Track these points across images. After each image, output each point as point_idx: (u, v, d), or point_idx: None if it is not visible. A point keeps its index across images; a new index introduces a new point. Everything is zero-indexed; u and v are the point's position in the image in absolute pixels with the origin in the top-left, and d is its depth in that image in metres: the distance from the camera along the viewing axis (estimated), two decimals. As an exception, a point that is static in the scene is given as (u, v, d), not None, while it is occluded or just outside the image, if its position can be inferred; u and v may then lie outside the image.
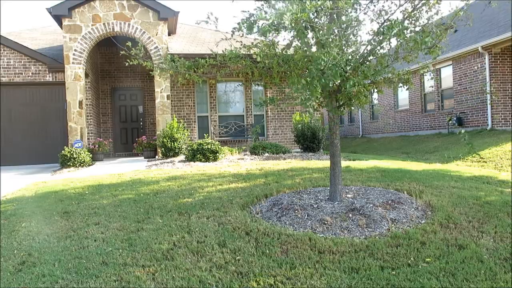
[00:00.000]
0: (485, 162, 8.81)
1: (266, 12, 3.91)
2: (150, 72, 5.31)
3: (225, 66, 4.60)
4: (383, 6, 4.26)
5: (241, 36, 4.24)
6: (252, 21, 3.77)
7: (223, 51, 4.55)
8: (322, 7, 3.69)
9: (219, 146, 9.32)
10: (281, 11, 3.39)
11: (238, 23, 3.85)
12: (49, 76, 11.32)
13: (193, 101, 12.60)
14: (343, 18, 3.96)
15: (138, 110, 13.62)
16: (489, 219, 3.93)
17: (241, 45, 4.47)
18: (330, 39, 3.66)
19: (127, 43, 4.80)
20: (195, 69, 4.62)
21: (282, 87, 4.95)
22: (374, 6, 4.30)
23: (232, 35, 4.11)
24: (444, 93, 14.68)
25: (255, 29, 3.86)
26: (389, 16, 4.18)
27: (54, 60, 11.31)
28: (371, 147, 15.98)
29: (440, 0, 4.15)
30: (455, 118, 13.61)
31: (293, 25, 3.38)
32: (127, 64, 4.83)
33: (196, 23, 4.24)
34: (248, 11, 3.87)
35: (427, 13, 4.21)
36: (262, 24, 3.72)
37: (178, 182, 6.07)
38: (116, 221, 4.23)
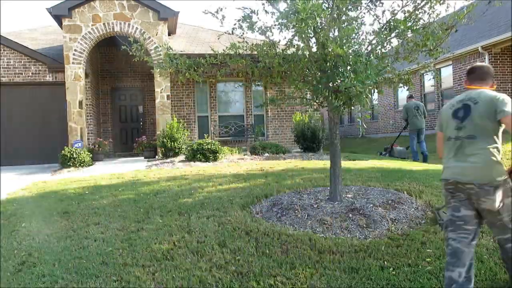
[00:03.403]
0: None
1: (267, 12, 3.91)
2: (151, 70, 5.29)
3: (225, 65, 4.59)
4: (390, 7, 4.26)
5: (241, 36, 4.23)
6: (253, 22, 3.78)
7: (223, 50, 4.54)
8: (325, 7, 3.68)
9: (219, 146, 9.31)
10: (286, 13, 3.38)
11: (239, 20, 3.85)
12: (49, 76, 11.30)
13: (193, 101, 12.59)
14: (343, 17, 3.95)
15: (138, 110, 13.60)
16: (489, 219, 3.92)
17: (244, 40, 4.45)
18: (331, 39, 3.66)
19: (128, 38, 4.82)
20: (195, 67, 4.61)
21: (282, 87, 4.93)
22: (376, 7, 4.29)
23: (229, 29, 4.12)
24: (444, 93, 14.67)
25: (256, 28, 3.86)
26: (393, 17, 4.17)
27: (54, 60, 11.30)
28: (371, 147, 15.96)
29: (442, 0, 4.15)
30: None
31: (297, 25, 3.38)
32: (124, 47, 4.81)
33: (203, 12, 4.24)
34: (250, 8, 3.87)
35: (429, 16, 4.19)
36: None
37: (178, 182, 6.07)
38: (116, 221, 4.23)
